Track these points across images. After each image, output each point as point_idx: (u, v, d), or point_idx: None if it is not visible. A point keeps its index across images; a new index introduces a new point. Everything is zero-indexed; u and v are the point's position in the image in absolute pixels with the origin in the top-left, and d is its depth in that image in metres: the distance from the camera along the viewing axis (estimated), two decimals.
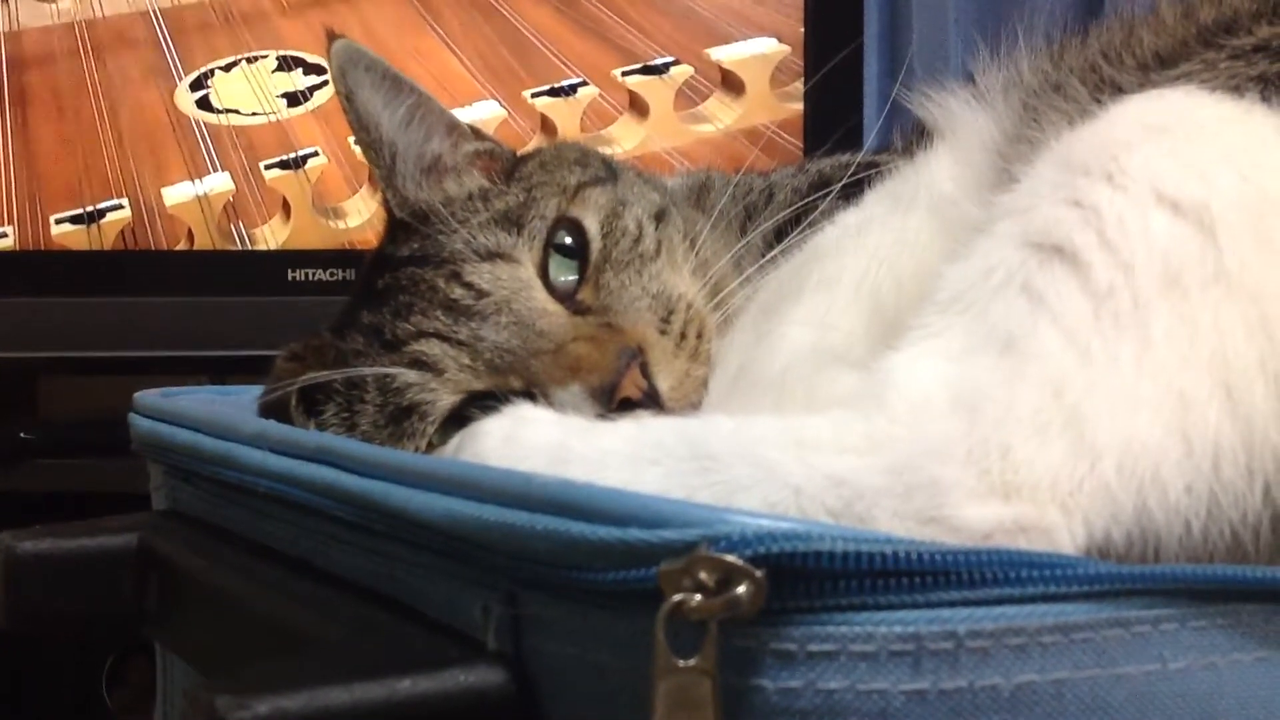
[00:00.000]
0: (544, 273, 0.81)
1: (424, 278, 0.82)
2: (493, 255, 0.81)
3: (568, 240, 0.82)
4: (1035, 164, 0.62)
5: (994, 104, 0.77)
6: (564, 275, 0.82)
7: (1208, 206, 0.55)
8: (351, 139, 1.00)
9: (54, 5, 1.69)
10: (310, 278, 1.62)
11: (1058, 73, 0.74)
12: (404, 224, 0.87)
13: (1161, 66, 0.69)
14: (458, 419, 0.76)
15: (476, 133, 0.92)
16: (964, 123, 0.78)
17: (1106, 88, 0.70)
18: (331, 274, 1.61)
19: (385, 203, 0.89)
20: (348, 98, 0.87)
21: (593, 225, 0.83)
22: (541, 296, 0.80)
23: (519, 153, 0.94)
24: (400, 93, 0.87)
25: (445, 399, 0.78)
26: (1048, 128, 0.68)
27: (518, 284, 0.80)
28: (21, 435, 1.64)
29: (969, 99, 0.79)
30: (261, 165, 1.67)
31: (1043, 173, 0.61)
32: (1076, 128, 0.64)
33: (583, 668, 0.47)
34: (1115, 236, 0.55)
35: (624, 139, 1.67)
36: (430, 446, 0.78)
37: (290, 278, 1.62)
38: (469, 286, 0.80)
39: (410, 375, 0.79)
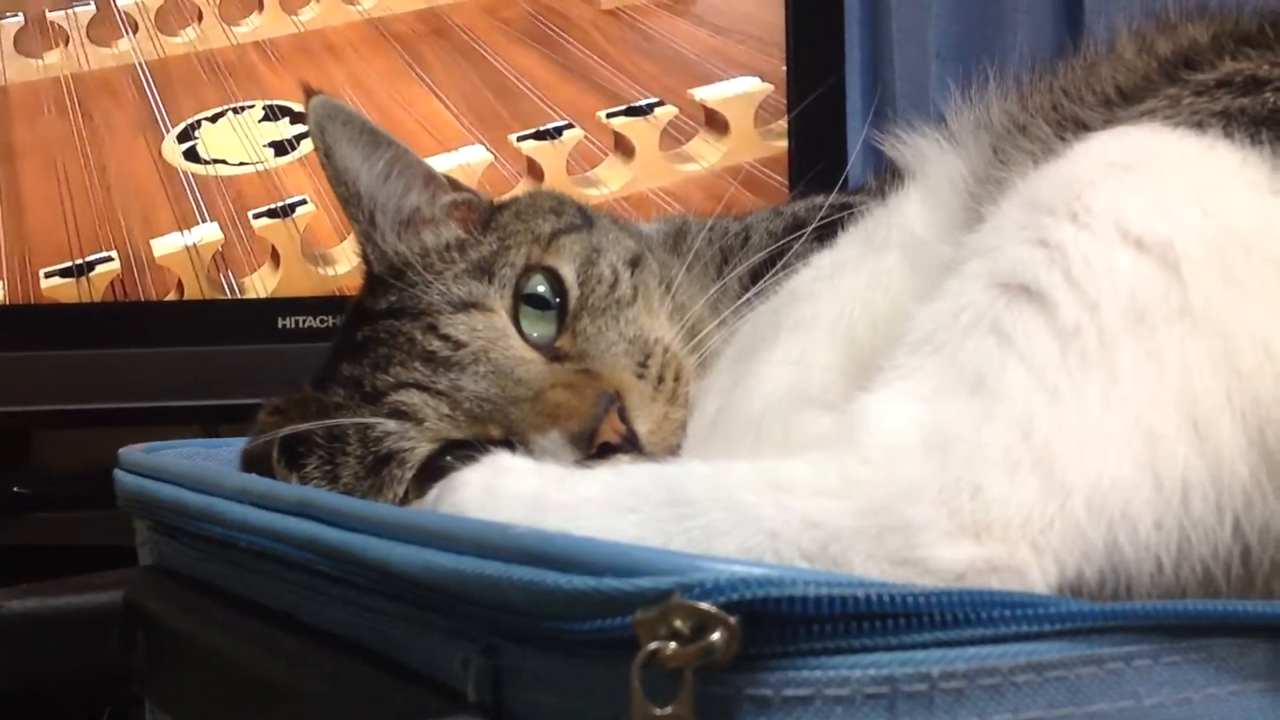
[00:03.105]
0: (516, 320, 0.82)
1: (402, 330, 0.82)
2: (467, 305, 0.82)
3: (542, 289, 0.83)
4: (1001, 204, 0.63)
5: (964, 145, 0.77)
6: (540, 322, 0.82)
7: (1172, 243, 0.55)
8: None
9: (40, 61, 1.70)
10: (300, 325, 1.61)
11: (1024, 113, 0.74)
12: (381, 277, 0.87)
13: (1125, 102, 0.70)
14: (437, 470, 0.76)
15: (454, 184, 0.92)
16: (934, 164, 0.78)
17: (1070, 125, 0.70)
18: (322, 321, 1.60)
19: (364, 256, 0.90)
20: (326, 153, 0.87)
21: (569, 273, 0.83)
22: (518, 344, 0.80)
23: (498, 201, 0.94)
24: (378, 147, 0.88)
25: (422, 447, 0.78)
26: (1014, 167, 0.69)
27: (494, 333, 0.80)
28: (15, 489, 1.63)
29: (939, 140, 0.79)
30: (250, 214, 1.67)
31: (1009, 212, 0.61)
32: (1042, 166, 0.64)
33: (562, 717, 0.47)
34: (1080, 275, 0.55)
35: (610, 180, 1.67)
36: (407, 496, 0.78)
37: (280, 325, 1.61)
38: (446, 338, 0.80)
39: (390, 425, 0.79)
